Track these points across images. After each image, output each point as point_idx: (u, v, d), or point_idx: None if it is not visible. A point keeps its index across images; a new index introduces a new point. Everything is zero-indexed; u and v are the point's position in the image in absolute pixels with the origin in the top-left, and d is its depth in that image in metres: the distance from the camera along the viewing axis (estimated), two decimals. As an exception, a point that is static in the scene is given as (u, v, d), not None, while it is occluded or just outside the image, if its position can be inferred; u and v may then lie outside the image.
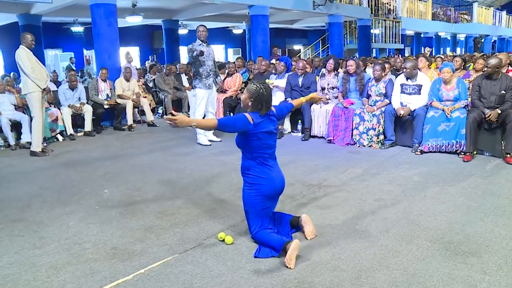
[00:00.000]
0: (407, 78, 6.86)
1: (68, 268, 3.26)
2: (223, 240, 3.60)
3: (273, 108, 3.67)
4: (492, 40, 33.61)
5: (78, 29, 17.76)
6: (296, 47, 27.98)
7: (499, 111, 5.88)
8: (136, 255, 3.45)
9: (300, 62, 8.10)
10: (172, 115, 3.42)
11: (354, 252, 3.37)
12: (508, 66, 7.71)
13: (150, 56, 20.53)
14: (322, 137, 7.66)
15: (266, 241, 3.41)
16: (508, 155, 5.83)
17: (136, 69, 12.04)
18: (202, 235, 3.78)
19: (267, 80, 8.50)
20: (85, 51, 19.20)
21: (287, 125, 8.29)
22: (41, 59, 13.81)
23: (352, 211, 4.23)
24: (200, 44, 7.23)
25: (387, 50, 22.48)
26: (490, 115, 5.91)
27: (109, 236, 3.84)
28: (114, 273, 3.16)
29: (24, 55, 6.70)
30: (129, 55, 11.48)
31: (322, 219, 4.05)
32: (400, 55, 16.68)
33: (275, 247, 3.33)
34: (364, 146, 7.00)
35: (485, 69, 6.06)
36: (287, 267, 3.14)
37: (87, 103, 8.92)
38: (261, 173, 3.52)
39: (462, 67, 8.08)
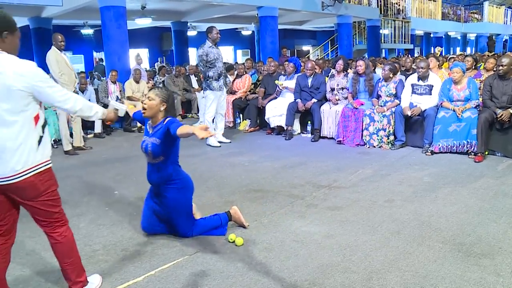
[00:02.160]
0: (419, 79, 6.82)
1: (79, 270, 3.26)
2: (234, 242, 3.60)
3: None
4: (504, 39, 33.31)
5: (88, 31, 17.88)
6: (305, 48, 27.94)
7: (511, 111, 5.82)
8: (147, 256, 3.46)
9: (309, 63, 8.08)
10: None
11: (365, 253, 3.35)
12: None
13: (159, 58, 20.60)
14: (332, 138, 7.63)
15: (208, 226, 3.76)
16: (521, 156, 5.78)
17: (146, 71, 12.07)
18: (212, 237, 3.77)
19: (276, 81, 8.50)
20: (94, 54, 19.32)
21: (296, 126, 8.27)
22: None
23: (362, 213, 4.21)
24: (211, 46, 7.23)
25: (397, 50, 22.37)
26: (502, 115, 5.85)
27: (119, 237, 3.85)
28: (125, 275, 3.17)
29: (53, 59, 6.82)
30: (139, 57, 11.51)
31: (332, 220, 4.04)
32: (409, 56, 16.59)
33: (221, 223, 3.79)
34: (374, 147, 6.96)
35: (499, 68, 5.97)
36: (245, 227, 3.87)
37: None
38: (184, 174, 3.70)
39: (473, 67, 8.01)
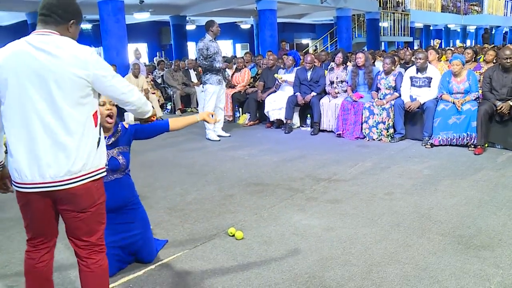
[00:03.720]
0: (417, 71, 6.80)
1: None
2: (233, 235, 3.60)
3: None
4: (504, 31, 33.22)
5: (86, 26, 17.82)
6: (304, 41, 27.87)
7: (511, 103, 5.81)
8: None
9: (308, 56, 8.07)
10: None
11: (365, 246, 3.36)
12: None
13: (158, 53, 20.56)
14: (332, 131, 7.62)
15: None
16: (520, 148, 5.77)
17: (145, 65, 12.05)
18: (212, 230, 3.78)
19: (275, 75, 8.49)
20: (93, 48, 19.28)
21: (296, 119, 8.26)
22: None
23: (362, 205, 4.21)
24: (211, 40, 7.22)
25: (396, 43, 22.32)
26: (501, 107, 5.84)
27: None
28: (125, 269, 3.16)
29: None
30: (138, 51, 11.50)
31: (332, 213, 4.04)
32: (409, 48, 16.55)
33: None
34: (374, 140, 6.96)
35: (507, 61, 5.91)
36: None
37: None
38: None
39: (473, 59, 7.98)
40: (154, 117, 2.67)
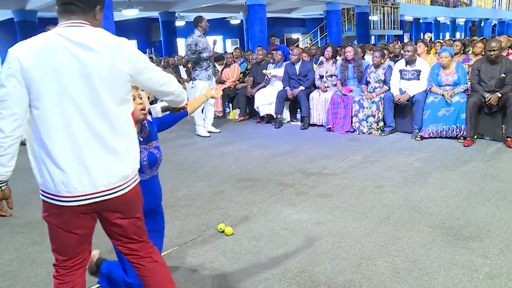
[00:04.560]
0: (406, 64, 6.81)
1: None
2: (223, 231, 3.59)
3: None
4: (492, 24, 33.40)
5: (74, 23, 17.66)
6: (295, 36, 27.85)
7: (499, 95, 5.83)
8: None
9: (294, 49, 8.07)
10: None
11: (355, 240, 3.36)
12: (509, 49, 7.65)
13: (147, 49, 20.46)
14: (322, 126, 7.62)
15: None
16: (509, 139, 5.79)
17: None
18: (202, 227, 3.76)
19: (264, 71, 8.47)
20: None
21: (286, 114, 8.25)
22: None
23: (352, 199, 4.21)
24: (200, 36, 7.18)
25: (386, 36, 22.35)
26: (490, 99, 5.86)
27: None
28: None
29: None
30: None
31: (322, 207, 4.03)
32: (399, 41, 16.57)
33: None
34: (364, 133, 6.96)
35: (491, 53, 5.94)
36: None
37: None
38: None
39: (461, 52, 8.00)
40: (186, 104, 2.48)
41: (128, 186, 1.99)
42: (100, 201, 1.92)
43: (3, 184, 1.96)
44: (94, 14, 1.95)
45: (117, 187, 1.94)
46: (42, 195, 1.95)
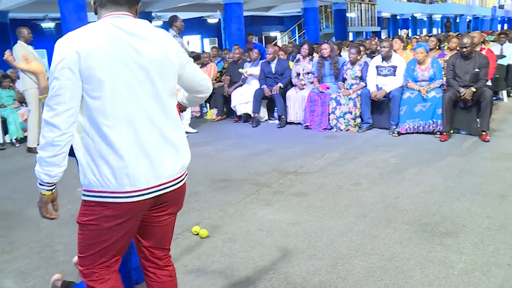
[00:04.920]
0: (382, 60, 6.82)
1: (38, 273, 3.15)
2: (198, 234, 3.52)
3: None
4: (467, 20, 33.86)
5: (48, 25, 17.38)
6: (273, 34, 27.84)
7: (474, 89, 5.86)
8: (108, 254, 3.35)
9: (269, 48, 8.02)
10: None
11: (331, 239, 3.32)
12: (482, 44, 7.71)
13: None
14: (299, 124, 7.59)
15: None
16: (484, 133, 5.84)
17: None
18: (176, 229, 3.65)
19: (240, 70, 8.41)
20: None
21: (263, 112, 8.21)
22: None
23: (329, 197, 4.18)
24: (175, 35, 7.08)
25: (364, 33, 22.48)
26: (465, 93, 5.89)
27: (81, 236, 3.72)
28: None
29: (20, 53, 6.55)
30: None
31: (298, 206, 3.99)
32: (376, 38, 16.65)
33: None
34: (342, 130, 6.95)
35: (463, 50, 5.97)
36: None
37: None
38: None
39: (437, 47, 8.05)
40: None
41: (184, 178, 1.96)
42: (160, 194, 1.85)
43: (53, 186, 1.83)
44: (136, 9, 1.89)
45: (176, 178, 1.89)
46: (94, 196, 1.79)
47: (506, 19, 44.41)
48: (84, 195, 1.82)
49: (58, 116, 1.68)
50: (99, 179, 1.75)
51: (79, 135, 1.77)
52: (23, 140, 7.85)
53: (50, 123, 1.68)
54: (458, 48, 6.95)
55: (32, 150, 6.97)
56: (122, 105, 1.74)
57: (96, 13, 1.87)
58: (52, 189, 1.83)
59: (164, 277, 2.09)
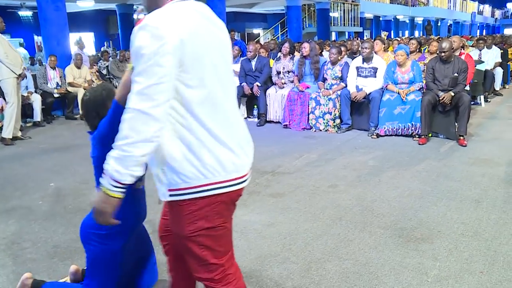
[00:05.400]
0: (363, 61, 6.81)
1: (3, 271, 3.04)
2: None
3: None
4: (448, 24, 34.26)
5: (26, 13, 16.98)
6: (256, 31, 27.76)
7: (452, 94, 5.89)
8: (78, 253, 3.25)
9: (250, 45, 7.95)
10: None
11: (305, 242, 3.27)
12: (461, 49, 7.76)
13: (106, 42, 19.94)
14: (279, 122, 7.55)
15: None
16: (461, 137, 5.87)
17: (91, 56, 11.61)
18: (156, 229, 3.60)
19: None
20: (35, 37, 18.45)
21: (242, 110, 8.14)
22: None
23: (305, 199, 4.14)
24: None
25: (347, 33, 22.55)
26: (443, 97, 5.91)
27: (51, 233, 3.62)
28: (53, 274, 2.97)
29: None
30: (81, 41, 11.04)
31: (274, 208, 3.94)
32: (359, 38, 16.70)
33: None
34: (321, 130, 6.93)
35: (442, 54, 5.99)
36: None
37: (35, 92, 8.52)
38: None
39: (417, 50, 8.09)
40: None
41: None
42: (244, 186, 1.81)
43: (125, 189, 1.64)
44: None
45: (249, 171, 1.83)
46: (198, 191, 1.67)
47: (484, 25, 45.19)
48: (183, 194, 1.68)
49: (159, 107, 1.52)
50: (202, 170, 1.65)
51: (169, 126, 1.62)
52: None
53: (149, 115, 1.51)
54: (437, 52, 7.00)
55: (6, 141, 6.80)
56: (217, 92, 1.67)
57: None
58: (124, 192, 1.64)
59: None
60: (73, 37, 10.98)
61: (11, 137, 6.88)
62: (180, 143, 1.63)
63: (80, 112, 8.51)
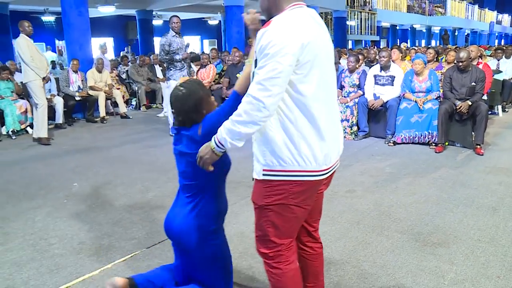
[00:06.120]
0: (381, 69, 6.88)
1: (32, 265, 3.17)
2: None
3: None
4: (466, 33, 34.07)
5: (49, 18, 17.33)
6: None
7: (470, 103, 5.93)
8: (103, 249, 3.38)
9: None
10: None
11: (324, 244, 3.28)
12: (479, 59, 7.79)
13: (126, 48, 20.23)
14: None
15: None
16: (478, 146, 5.90)
17: (111, 60, 11.84)
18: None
19: (238, 75, 8.44)
20: (57, 42, 18.79)
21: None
22: (10, 49, 13.43)
23: (324, 203, 4.15)
24: (174, 35, 7.11)
25: (363, 41, 22.60)
26: (461, 106, 5.95)
27: (76, 230, 3.75)
28: (80, 269, 3.09)
29: (23, 44, 6.81)
30: (105, 46, 11.27)
31: (293, 211, 4.02)
32: (375, 47, 16.75)
33: None
34: (338, 137, 6.98)
35: (460, 64, 6.03)
36: None
37: (58, 94, 8.73)
38: None
39: (434, 59, 8.13)
40: None
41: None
42: (331, 174, 2.08)
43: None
44: None
45: (338, 160, 2.12)
46: (287, 175, 1.94)
47: (503, 35, 44.81)
48: (276, 175, 1.95)
49: (272, 97, 1.79)
50: (297, 158, 1.92)
51: (277, 116, 1.90)
52: (20, 132, 7.87)
53: (262, 102, 1.79)
54: (455, 62, 7.05)
55: (43, 141, 7.10)
56: (324, 89, 1.93)
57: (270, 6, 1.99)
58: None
59: (319, 249, 2.36)
60: (94, 41, 11.20)
61: (46, 136, 7.15)
62: (283, 132, 1.91)
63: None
